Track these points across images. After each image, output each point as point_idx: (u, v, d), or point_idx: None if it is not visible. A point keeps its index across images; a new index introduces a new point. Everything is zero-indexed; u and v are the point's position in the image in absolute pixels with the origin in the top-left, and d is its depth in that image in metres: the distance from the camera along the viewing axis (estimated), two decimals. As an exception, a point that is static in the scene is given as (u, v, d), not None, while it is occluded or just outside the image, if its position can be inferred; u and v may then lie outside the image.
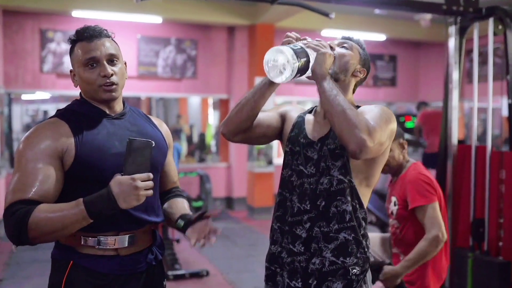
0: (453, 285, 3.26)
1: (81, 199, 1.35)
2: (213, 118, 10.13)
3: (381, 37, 7.88)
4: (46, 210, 1.35)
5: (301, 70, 1.50)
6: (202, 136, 8.80)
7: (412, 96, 9.17)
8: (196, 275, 4.41)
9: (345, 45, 1.70)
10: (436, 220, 2.30)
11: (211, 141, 9.27)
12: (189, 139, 9.35)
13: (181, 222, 1.61)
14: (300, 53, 1.49)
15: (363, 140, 1.41)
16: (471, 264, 3.18)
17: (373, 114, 1.53)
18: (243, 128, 1.68)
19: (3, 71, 6.47)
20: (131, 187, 1.32)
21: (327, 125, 1.65)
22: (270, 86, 1.62)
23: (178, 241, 4.99)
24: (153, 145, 1.38)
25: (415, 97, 9.15)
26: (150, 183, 1.36)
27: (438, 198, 2.38)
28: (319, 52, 1.54)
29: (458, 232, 3.33)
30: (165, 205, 1.72)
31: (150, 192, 1.37)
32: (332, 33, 7.38)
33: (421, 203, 2.33)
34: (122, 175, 1.34)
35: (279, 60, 1.49)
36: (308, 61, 1.52)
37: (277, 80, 1.52)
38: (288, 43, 1.56)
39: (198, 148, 8.59)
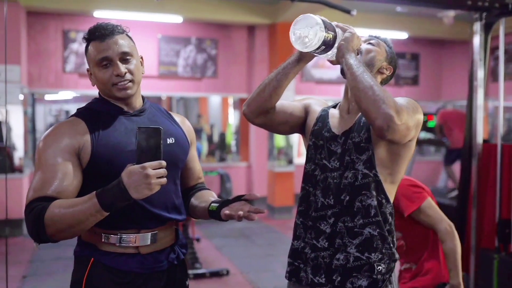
0: (478, 287, 3.20)
1: (94, 192, 1.33)
2: (233, 117, 10.13)
3: (403, 35, 7.78)
4: (61, 206, 1.34)
5: (327, 44, 1.48)
6: (222, 136, 8.82)
7: (435, 95, 9.04)
8: (217, 274, 4.41)
9: (371, 41, 1.68)
10: (437, 215, 2.27)
11: (231, 141, 9.28)
12: (210, 139, 9.38)
13: (214, 205, 1.57)
14: (329, 26, 1.49)
15: (391, 116, 1.38)
16: (497, 266, 3.11)
17: (399, 100, 1.51)
18: (265, 109, 1.66)
19: (27, 71, 6.57)
20: (141, 175, 1.28)
21: (351, 119, 1.63)
22: (294, 65, 1.61)
23: (198, 240, 5.00)
24: (163, 131, 1.34)
25: (438, 96, 9.02)
26: (162, 171, 1.31)
27: (427, 193, 2.35)
28: (347, 31, 1.53)
29: (483, 233, 3.26)
30: (192, 199, 1.69)
31: (164, 180, 1.31)
32: (353, 32, 7.33)
33: (415, 207, 2.29)
34: (135, 164, 1.31)
35: (307, 27, 1.47)
36: (335, 37, 1.50)
37: (301, 47, 1.49)
38: None
39: (219, 148, 8.61)
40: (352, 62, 1.49)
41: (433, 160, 9.10)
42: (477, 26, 3.19)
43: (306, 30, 1.47)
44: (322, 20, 1.47)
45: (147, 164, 1.29)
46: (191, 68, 7.37)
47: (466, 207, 3.30)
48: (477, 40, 3.20)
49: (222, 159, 8.18)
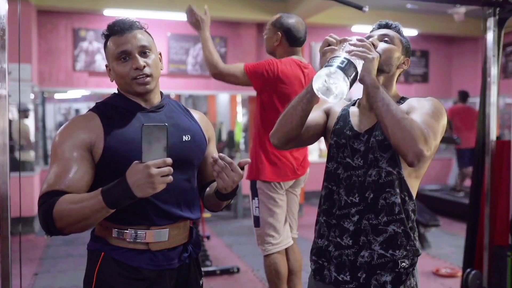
0: (492, 285, 3.17)
1: (99, 189, 1.34)
2: (241, 115, 10.12)
3: (412, 32, 7.74)
4: (68, 201, 1.35)
5: (352, 84, 1.45)
6: (231, 134, 8.81)
7: (445, 93, 8.98)
8: (227, 272, 4.41)
9: (386, 38, 1.65)
10: None
11: (240, 139, 9.27)
12: (218, 137, 9.38)
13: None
14: (348, 69, 1.42)
15: (421, 151, 1.41)
16: (511, 264, 3.09)
17: (424, 112, 1.51)
18: (293, 137, 1.67)
19: (37, 69, 6.61)
20: (144, 174, 1.27)
21: (373, 116, 1.62)
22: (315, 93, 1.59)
23: (208, 237, 5.00)
24: (168, 128, 1.31)
25: (448, 93, 8.97)
26: (167, 169, 1.29)
27: None
28: (366, 60, 1.47)
29: (497, 230, 3.23)
30: (207, 190, 1.67)
31: (169, 179, 1.30)
32: (363, 29, 7.29)
33: None
34: (140, 162, 1.30)
35: (331, 84, 1.43)
36: (356, 74, 1.46)
37: (333, 100, 1.47)
38: (329, 45, 1.51)
39: (227, 146, 8.60)
40: (377, 95, 1.47)
41: (444, 157, 9.05)
42: (490, 22, 3.15)
43: (328, 82, 1.43)
44: (340, 69, 1.40)
45: (150, 162, 1.28)
46: (200, 66, 7.37)
47: (479, 204, 3.27)
48: (490, 36, 3.16)
49: (230, 157, 8.15)
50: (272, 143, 1.71)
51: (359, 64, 1.47)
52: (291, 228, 3.12)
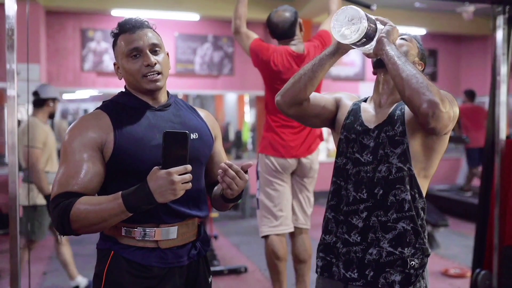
0: (501, 285, 3.14)
1: (119, 193, 1.35)
2: (249, 115, 10.12)
3: (421, 31, 7.70)
4: (86, 203, 1.36)
5: (368, 37, 1.49)
6: (238, 134, 8.82)
7: (454, 92, 8.91)
8: (234, 272, 4.40)
9: (404, 36, 1.69)
10: None
11: (247, 138, 9.27)
12: (226, 137, 9.38)
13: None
14: (370, 19, 1.49)
15: (436, 102, 1.38)
16: (521, 264, 3.06)
17: None
18: (299, 100, 1.66)
19: (46, 70, 6.64)
20: (167, 181, 1.30)
21: (384, 113, 1.62)
22: (330, 57, 1.61)
23: (216, 237, 5.00)
24: (190, 136, 1.35)
25: (457, 92, 8.91)
26: (188, 176, 1.32)
27: None
28: (387, 24, 1.54)
29: (506, 230, 3.21)
30: (214, 189, 1.68)
31: (189, 185, 1.33)
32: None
33: None
34: (160, 168, 1.33)
35: (348, 19, 1.48)
36: (375, 30, 1.51)
37: (342, 39, 1.50)
38: None
39: (235, 146, 8.61)
40: (394, 53, 1.49)
41: (452, 157, 8.99)
42: (500, 20, 3.13)
43: (347, 22, 1.48)
44: (364, 13, 1.48)
45: (173, 170, 1.31)
46: (207, 66, 7.38)
47: (489, 204, 3.25)
48: (500, 34, 3.14)
49: (238, 157, 8.17)
50: (276, 102, 1.69)
51: (380, 28, 1.53)
52: (298, 218, 3.16)
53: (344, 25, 1.49)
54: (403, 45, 1.66)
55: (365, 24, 1.46)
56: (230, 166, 1.44)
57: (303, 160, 3.14)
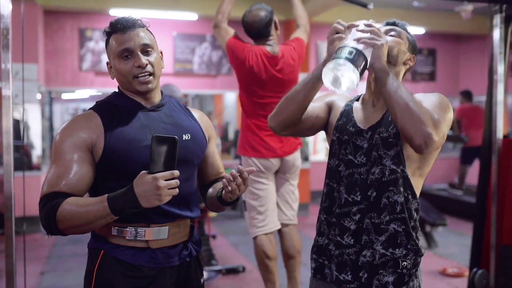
0: (499, 284, 3.14)
1: (106, 195, 1.35)
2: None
3: (419, 30, 7.69)
4: (73, 204, 1.36)
5: (362, 74, 1.43)
6: (237, 133, 8.81)
7: (452, 91, 8.92)
8: (233, 271, 4.40)
9: (392, 33, 1.63)
10: None
11: (246, 138, 9.25)
12: (225, 136, 9.37)
13: (221, 191, 1.54)
14: (357, 60, 1.40)
15: (429, 134, 1.37)
16: (518, 263, 3.06)
17: (431, 104, 1.48)
18: (293, 122, 1.63)
19: (44, 69, 6.63)
20: (152, 186, 1.29)
21: (378, 113, 1.60)
22: (320, 78, 1.56)
23: (214, 237, 5.00)
24: (178, 141, 1.32)
25: (455, 92, 8.90)
26: (174, 182, 1.31)
27: None
28: (375, 47, 1.45)
29: (504, 230, 3.20)
30: (209, 190, 1.68)
31: (175, 191, 1.32)
32: (369, 27, 7.25)
33: None
34: (147, 173, 1.32)
35: (341, 76, 1.41)
36: (366, 62, 1.43)
37: (344, 92, 1.46)
38: (337, 33, 1.49)
39: (234, 145, 8.60)
40: (386, 80, 1.45)
41: (451, 156, 8.98)
42: (497, 19, 3.12)
43: (339, 74, 1.41)
44: (349, 60, 1.38)
45: (159, 175, 1.29)
46: (206, 66, 7.37)
47: (486, 203, 3.25)
48: (497, 34, 3.13)
49: (237, 157, 8.17)
50: (270, 127, 1.68)
51: (368, 52, 1.44)
52: (283, 214, 3.18)
53: (337, 78, 1.41)
54: (394, 48, 1.59)
55: (356, 74, 1.38)
56: (241, 174, 1.44)
57: (286, 158, 3.14)
